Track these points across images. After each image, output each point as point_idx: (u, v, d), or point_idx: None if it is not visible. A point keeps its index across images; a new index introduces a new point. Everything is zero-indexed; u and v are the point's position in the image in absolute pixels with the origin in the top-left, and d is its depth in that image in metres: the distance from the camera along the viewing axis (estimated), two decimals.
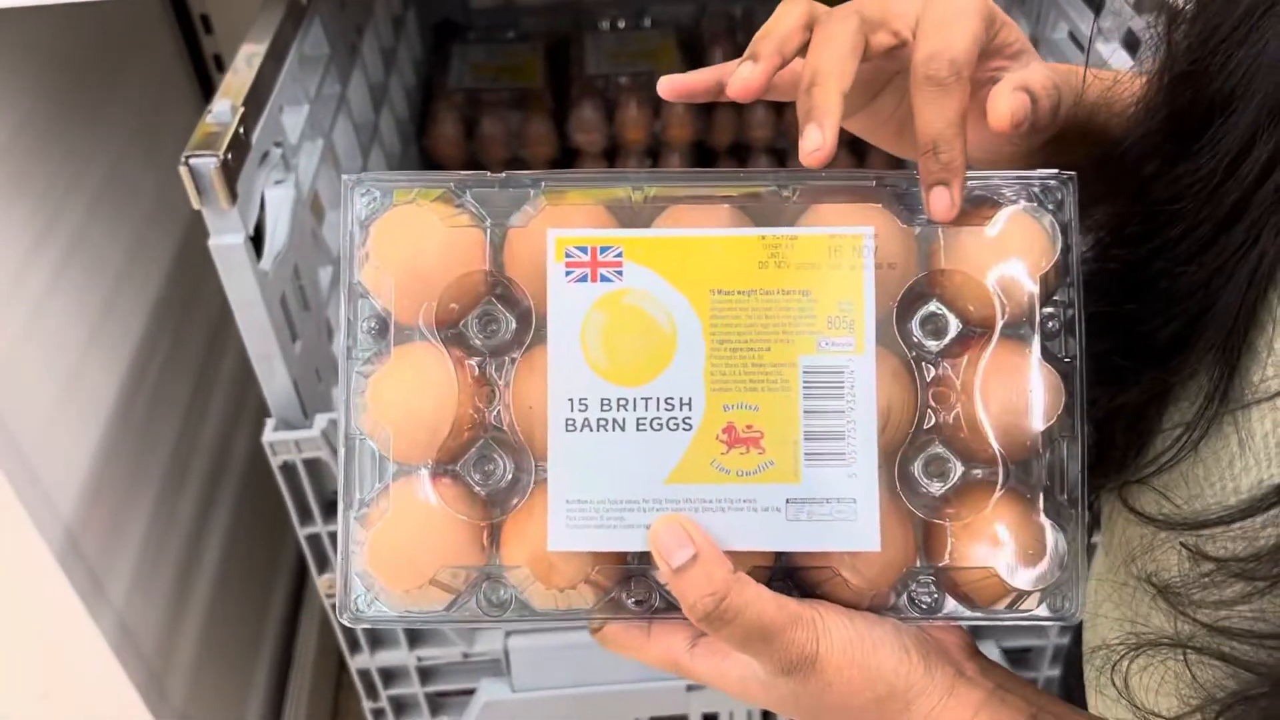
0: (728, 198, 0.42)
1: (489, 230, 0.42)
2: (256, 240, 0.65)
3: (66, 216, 0.84)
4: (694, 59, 1.27)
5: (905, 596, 0.42)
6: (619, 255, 0.40)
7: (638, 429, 0.40)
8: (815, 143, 0.39)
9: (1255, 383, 0.38)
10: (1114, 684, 0.44)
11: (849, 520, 0.40)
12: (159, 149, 0.99)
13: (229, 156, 0.60)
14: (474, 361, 0.42)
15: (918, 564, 0.41)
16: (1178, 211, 0.40)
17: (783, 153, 1.39)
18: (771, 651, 0.38)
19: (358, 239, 0.43)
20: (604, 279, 0.40)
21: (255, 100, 0.66)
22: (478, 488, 0.42)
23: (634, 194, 0.42)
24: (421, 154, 1.22)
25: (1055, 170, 0.43)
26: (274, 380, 0.71)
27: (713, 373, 0.40)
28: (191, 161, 0.58)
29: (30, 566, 0.76)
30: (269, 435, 0.76)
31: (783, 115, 1.30)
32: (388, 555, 0.40)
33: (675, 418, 0.40)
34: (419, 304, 0.41)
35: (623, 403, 0.40)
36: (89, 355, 0.86)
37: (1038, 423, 0.41)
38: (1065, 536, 0.41)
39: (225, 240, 0.61)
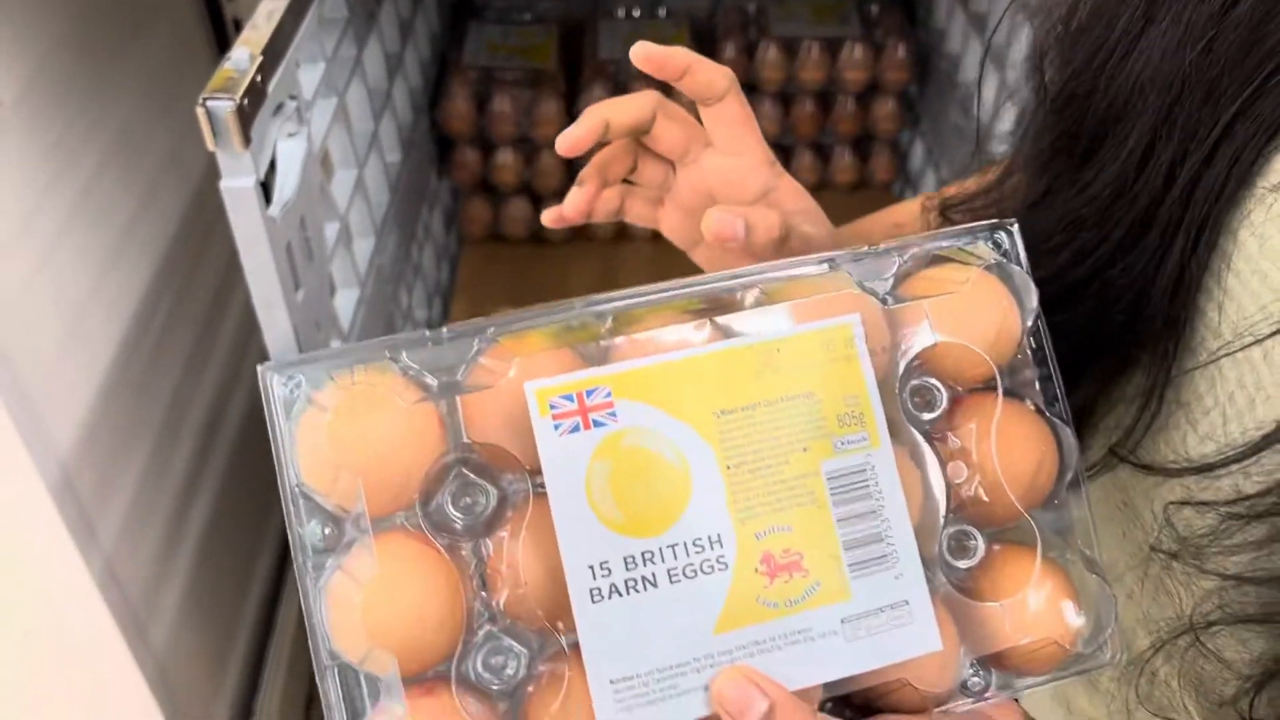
0: (695, 310, 0.38)
1: (443, 395, 0.36)
2: (266, 189, 0.64)
3: (79, 165, 0.84)
4: (706, 50, 1.27)
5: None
6: (608, 395, 0.36)
7: (671, 581, 0.35)
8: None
9: (1201, 359, 0.39)
10: (1157, 688, 0.43)
11: (906, 625, 0.37)
12: (174, 109, 0.99)
13: (245, 102, 0.59)
14: (463, 546, 0.36)
15: (978, 653, 0.38)
16: (1087, 218, 0.41)
17: (788, 149, 1.37)
18: None
19: (286, 436, 0.36)
20: (597, 424, 0.35)
21: (273, 52, 0.65)
22: (496, 687, 0.35)
23: (598, 326, 0.38)
24: (433, 126, 1.21)
25: (996, 220, 0.42)
26: (275, 327, 0.68)
27: (736, 501, 0.36)
28: (209, 103, 0.59)
29: (24, 500, 0.75)
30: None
31: (789, 112, 1.28)
32: None
33: (708, 559, 0.35)
34: (395, 497, 0.35)
35: (648, 556, 0.35)
36: (94, 300, 0.86)
37: (1062, 478, 0.39)
38: (1107, 586, 0.39)
39: (237, 183, 0.62)
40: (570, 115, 1.21)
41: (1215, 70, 0.36)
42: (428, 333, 0.37)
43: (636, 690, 0.34)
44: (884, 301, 0.39)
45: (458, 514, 0.36)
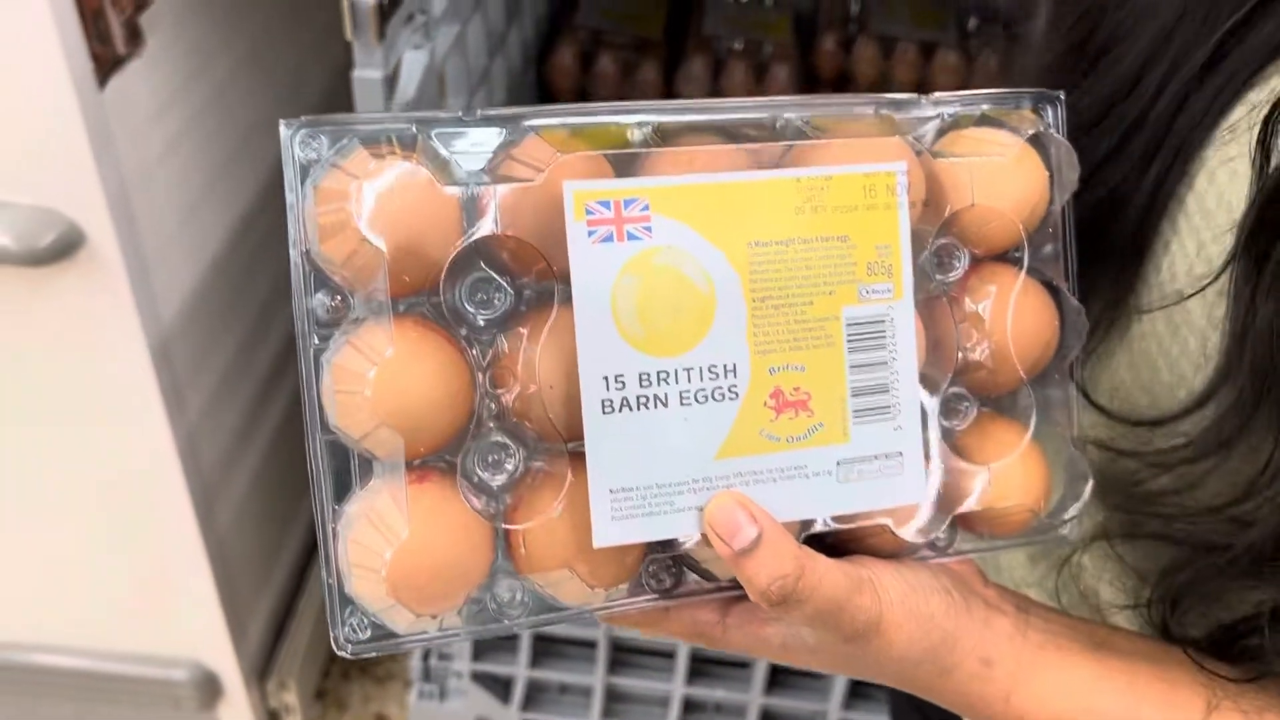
0: (736, 132, 0.37)
1: (471, 182, 0.35)
2: (390, 89, 0.71)
3: (210, 72, 0.92)
4: (806, 40, 1.28)
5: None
6: (645, 209, 0.35)
7: (681, 403, 0.35)
8: None
9: (1153, 297, 0.40)
10: (1075, 587, 0.46)
11: (896, 475, 0.38)
12: (301, 32, 1.09)
13: (385, 1, 0.66)
14: (475, 340, 0.35)
15: (953, 510, 0.39)
16: (1081, 126, 0.42)
17: None
18: (839, 622, 0.36)
19: (303, 200, 0.35)
20: (631, 237, 0.35)
21: None
22: (496, 484, 0.36)
23: (638, 131, 0.36)
24: (539, 78, 1.27)
25: (1042, 89, 0.41)
26: None
27: (756, 334, 0.36)
28: None
29: (127, 356, 0.83)
30: None
31: None
32: (422, 576, 0.34)
33: (720, 387, 0.36)
34: (414, 279, 0.34)
35: (663, 376, 0.35)
36: (210, 194, 0.95)
37: (1062, 356, 0.40)
38: (1084, 463, 0.41)
39: (367, 74, 0.69)
40: (669, 84, 1.27)
41: None
42: (460, 112, 0.36)
43: (634, 502, 0.35)
44: (918, 154, 0.39)
45: (473, 308, 0.35)
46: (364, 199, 0.33)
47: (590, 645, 1.05)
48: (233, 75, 0.96)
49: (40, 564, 0.98)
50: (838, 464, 0.37)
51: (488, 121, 0.36)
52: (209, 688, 1.05)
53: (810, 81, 1.31)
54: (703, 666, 1.06)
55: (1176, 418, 0.38)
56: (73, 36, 0.72)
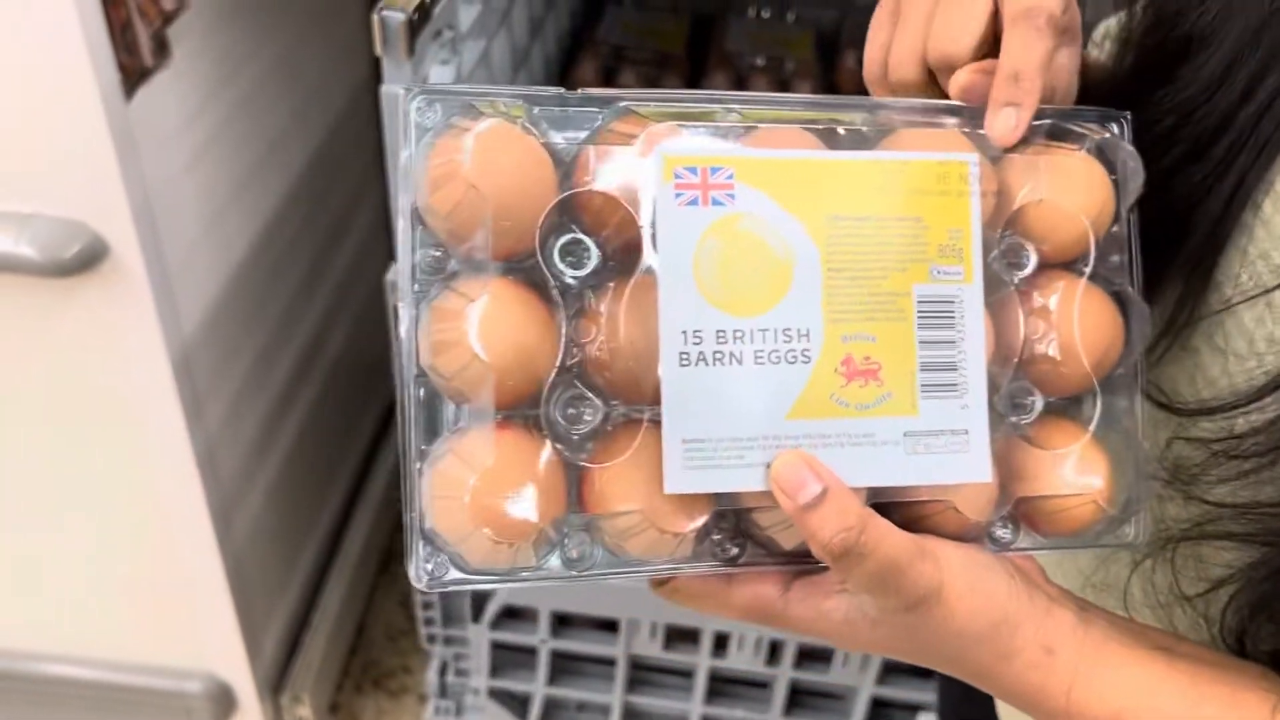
0: (816, 124, 0.40)
1: (570, 148, 0.38)
2: None
3: (236, 84, 0.94)
4: (827, 58, 1.31)
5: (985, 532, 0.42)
6: (730, 177, 0.37)
7: (755, 362, 0.37)
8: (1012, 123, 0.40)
9: (1227, 295, 0.40)
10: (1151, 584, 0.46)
11: (962, 452, 0.39)
12: (327, 44, 1.11)
13: (414, 17, 0.67)
14: (565, 296, 0.38)
15: (1017, 493, 0.40)
16: (1162, 128, 0.42)
17: None
18: (900, 586, 0.37)
19: (414, 160, 0.38)
20: (716, 203, 0.37)
21: None
22: (576, 434, 0.38)
23: (725, 114, 0.39)
24: None
25: (1110, 109, 0.43)
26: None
27: (830, 302, 0.38)
28: (384, 13, 0.66)
29: (149, 368, 0.84)
30: (393, 274, 0.78)
31: None
32: (504, 501, 0.35)
33: (794, 350, 0.37)
34: (511, 237, 0.37)
35: (739, 334, 0.37)
36: (235, 204, 0.96)
37: (1133, 357, 0.41)
38: (1145, 468, 0.41)
39: (396, 89, 0.69)
40: None
41: None
42: (563, 90, 0.39)
43: (706, 453, 0.36)
44: (993, 161, 0.41)
45: (564, 266, 0.38)
46: (473, 151, 0.36)
47: (609, 664, 1.04)
48: (259, 86, 0.97)
49: (55, 573, 0.98)
50: (905, 435, 0.38)
51: (587, 101, 0.39)
52: (223, 700, 1.05)
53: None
54: (721, 686, 1.05)
55: (1252, 399, 0.38)
56: (101, 49, 0.72)
